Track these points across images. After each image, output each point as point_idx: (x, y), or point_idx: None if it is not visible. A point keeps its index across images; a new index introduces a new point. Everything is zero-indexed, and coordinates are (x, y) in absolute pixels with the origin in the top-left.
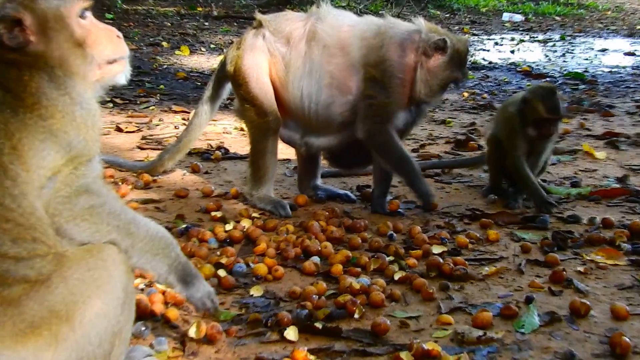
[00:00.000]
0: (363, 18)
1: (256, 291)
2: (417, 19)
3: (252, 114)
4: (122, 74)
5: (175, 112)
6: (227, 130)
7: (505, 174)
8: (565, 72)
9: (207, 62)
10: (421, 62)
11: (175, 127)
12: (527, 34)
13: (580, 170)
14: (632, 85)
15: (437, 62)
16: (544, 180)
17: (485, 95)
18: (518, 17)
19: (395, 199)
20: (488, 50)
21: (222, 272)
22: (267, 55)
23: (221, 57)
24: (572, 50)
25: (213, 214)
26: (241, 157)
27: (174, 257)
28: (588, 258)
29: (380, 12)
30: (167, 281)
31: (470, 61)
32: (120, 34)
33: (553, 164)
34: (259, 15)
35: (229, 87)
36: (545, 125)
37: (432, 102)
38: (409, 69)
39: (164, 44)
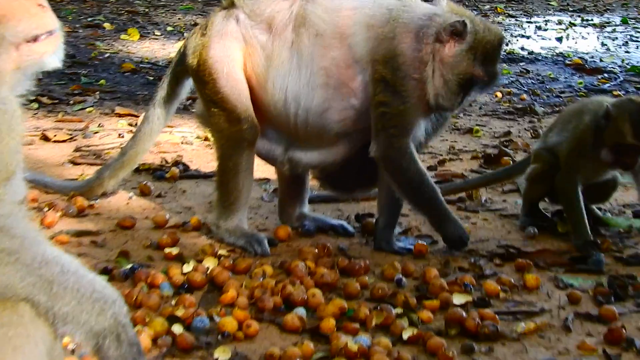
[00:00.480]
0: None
1: (222, 354)
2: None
3: (221, 120)
4: (51, 55)
5: (120, 115)
6: (187, 140)
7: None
8: (628, 67)
9: (162, 49)
10: (434, 53)
11: (120, 136)
12: (578, 16)
13: None
14: None
15: (453, 51)
16: (600, 209)
17: (525, 96)
18: None
19: (405, 233)
20: (528, 37)
21: (177, 328)
22: (241, 44)
23: (181, 43)
24: (637, 37)
25: (167, 250)
26: (205, 176)
27: (110, 325)
28: None
29: None
30: (96, 353)
31: (504, 52)
32: (45, 2)
33: None
34: None
35: (190, 84)
36: (628, 152)
37: (450, 107)
38: (425, 66)
39: (106, 25)
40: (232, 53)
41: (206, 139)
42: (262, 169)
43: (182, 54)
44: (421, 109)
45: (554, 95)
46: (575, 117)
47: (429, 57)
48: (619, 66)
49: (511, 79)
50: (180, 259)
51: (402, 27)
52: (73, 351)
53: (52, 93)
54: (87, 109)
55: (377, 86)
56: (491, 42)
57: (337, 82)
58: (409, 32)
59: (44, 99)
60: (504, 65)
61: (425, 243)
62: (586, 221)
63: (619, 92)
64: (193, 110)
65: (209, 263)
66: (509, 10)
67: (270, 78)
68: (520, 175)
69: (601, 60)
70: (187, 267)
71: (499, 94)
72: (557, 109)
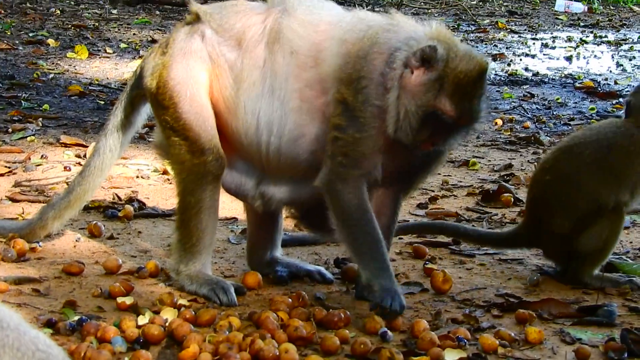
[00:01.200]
0: (349, 14)
1: None
2: (430, 21)
3: (183, 150)
4: None
5: (66, 145)
6: (143, 174)
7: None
8: None
9: (114, 69)
10: (400, 79)
11: (66, 169)
12: (591, 32)
13: None
14: None
15: (419, 79)
16: (613, 253)
17: (528, 123)
18: (578, 7)
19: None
20: (533, 56)
21: None
22: (207, 64)
23: (136, 62)
24: None
25: (120, 300)
26: (164, 215)
27: None
28: None
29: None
30: None
31: (505, 73)
32: None
33: (626, 228)
34: (195, 5)
35: (147, 111)
36: None
37: (410, 144)
38: (388, 92)
39: (50, 41)
40: (197, 74)
41: (165, 172)
42: (229, 207)
43: (139, 76)
44: (379, 142)
45: (562, 122)
46: (623, 165)
47: (394, 84)
48: None
49: (513, 104)
50: (135, 310)
51: (375, 47)
52: None
53: None
54: (28, 138)
55: (336, 107)
56: (467, 72)
57: (310, 106)
58: (381, 53)
59: None
60: (505, 88)
61: (413, 292)
62: None
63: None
64: (150, 139)
65: (168, 314)
66: (512, 26)
67: (241, 102)
68: (503, 246)
69: (616, 83)
70: (143, 319)
71: (499, 122)
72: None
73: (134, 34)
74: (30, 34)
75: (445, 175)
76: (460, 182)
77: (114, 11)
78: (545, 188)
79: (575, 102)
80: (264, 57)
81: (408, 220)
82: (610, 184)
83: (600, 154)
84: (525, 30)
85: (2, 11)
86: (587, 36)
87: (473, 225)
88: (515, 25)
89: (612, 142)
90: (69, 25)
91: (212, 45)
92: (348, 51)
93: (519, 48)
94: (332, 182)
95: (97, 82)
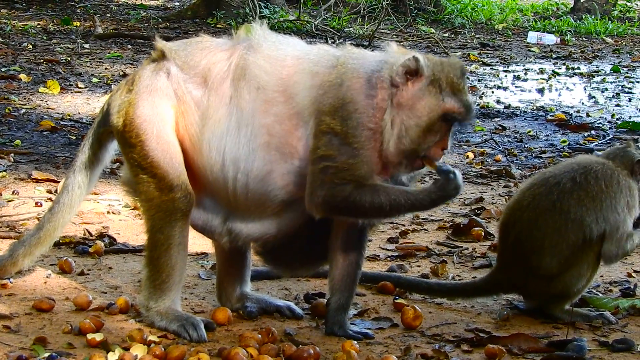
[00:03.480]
0: (314, 47)
1: None
2: (388, 44)
3: (151, 188)
4: None
5: (37, 181)
6: (113, 210)
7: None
8: (619, 122)
9: (86, 104)
10: (391, 99)
11: (37, 204)
12: (563, 64)
13: (636, 271)
14: None
15: (412, 91)
16: None
17: (500, 156)
18: (551, 39)
19: (360, 315)
20: (505, 89)
21: None
22: (173, 102)
23: (107, 97)
24: (630, 88)
25: (90, 336)
26: (135, 251)
27: None
28: None
29: (347, 28)
30: None
31: (477, 105)
32: None
33: None
34: (160, 42)
35: (115, 147)
36: None
37: (414, 155)
38: (381, 114)
39: (22, 76)
40: (163, 111)
41: (135, 207)
42: (199, 243)
43: (106, 113)
44: (375, 166)
45: (534, 155)
46: (611, 191)
47: (386, 105)
48: (609, 122)
49: (485, 136)
50: (105, 347)
51: (350, 73)
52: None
53: None
54: (0, 174)
55: (319, 139)
56: (453, 69)
57: (279, 141)
58: (359, 77)
59: None
60: (477, 121)
61: (383, 327)
62: None
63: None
64: (120, 174)
65: (137, 351)
66: (484, 58)
67: (206, 139)
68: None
69: (588, 115)
70: (113, 356)
71: (471, 155)
72: (536, 171)
73: (105, 68)
74: (2, 69)
75: None
76: (431, 215)
77: (86, 45)
78: (530, 226)
79: (547, 135)
80: (229, 94)
81: (378, 255)
82: (592, 209)
83: (578, 179)
84: (497, 62)
85: None
86: (559, 68)
87: (444, 260)
88: (487, 57)
89: (588, 169)
90: (41, 60)
91: (177, 83)
92: (322, 82)
93: (490, 80)
94: (334, 203)
95: (68, 117)
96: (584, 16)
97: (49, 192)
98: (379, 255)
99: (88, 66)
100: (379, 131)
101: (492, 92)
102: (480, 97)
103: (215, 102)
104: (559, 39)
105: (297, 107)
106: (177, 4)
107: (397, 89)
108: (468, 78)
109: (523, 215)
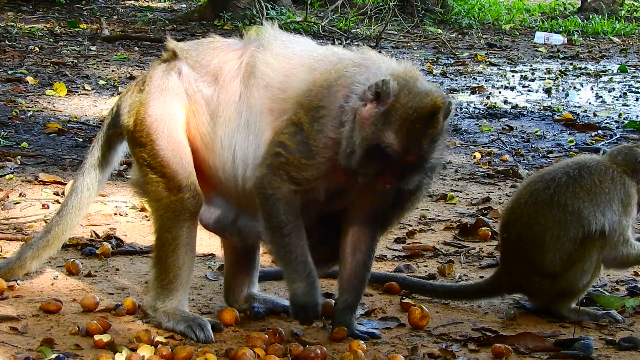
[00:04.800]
0: (323, 47)
1: None
2: (404, 61)
3: (160, 188)
4: None
5: (44, 183)
6: (121, 211)
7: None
8: (626, 122)
9: (93, 106)
10: (355, 113)
11: (44, 207)
12: (570, 64)
13: None
14: None
15: (369, 112)
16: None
17: (507, 156)
18: (558, 39)
19: (367, 315)
20: (512, 89)
21: None
22: (184, 101)
23: (115, 99)
24: (638, 88)
25: (97, 337)
26: (142, 252)
27: None
28: None
29: (354, 29)
30: None
31: (484, 106)
32: None
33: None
34: (172, 42)
35: (124, 150)
36: None
37: (361, 178)
38: (344, 125)
39: (29, 79)
40: (174, 111)
41: (143, 209)
42: (207, 243)
43: (116, 114)
44: (325, 171)
45: (541, 155)
46: (593, 183)
47: (349, 117)
48: (616, 121)
49: (492, 137)
50: (112, 348)
51: (340, 80)
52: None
53: None
54: (7, 176)
55: (287, 127)
56: (417, 109)
57: None
58: (344, 86)
59: None
60: (484, 121)
61: (390, 327)
62: None
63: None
64: (129, 176)
65: (145, 352)
66: (491, 58)
67: (218, 137)
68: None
69: (595, 115)
70: (120, 357)
71: (478, 155)
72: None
73: (112, 70)
74: (9, 72)
75: (423, 210)
76: (438, 216)
77: (93, 48)
78: (530, 222)
79: (554, 135)
80: (239, 92)
81: (385, 255)
82: (588, 202)
83: (572, 174)
84: (504, 62)
85: None
86: (566, 68)
87: (451, 260)
88: (495, 57)
89: (582, 164)
90: (48, 63)
91: (188, 82)
92: (314, 79)
93: (498, 81)
94: (264, 187)
95: (75, 120)
96: (591, 16)
97: (56, 194)
98: (386, 256)
99: (95, 68)
100: (338, 142)
101: (500, 92)
102: (488, 98)
103: (226, 100)
104: (566, 39)
105: (287, 98)
106: (184, 5)
107: (362, 104)
108: (437, 120)
109: (523, 212)
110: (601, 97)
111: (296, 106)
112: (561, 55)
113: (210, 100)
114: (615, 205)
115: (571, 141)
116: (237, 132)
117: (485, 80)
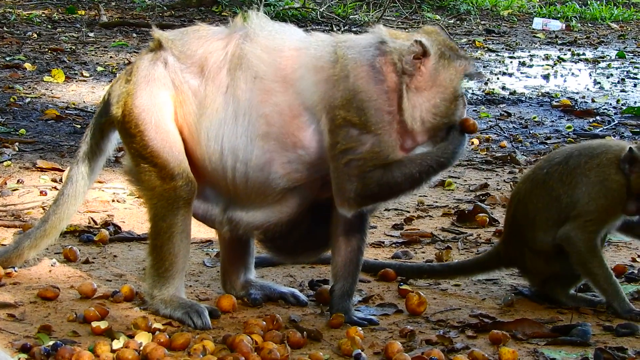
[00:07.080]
0: (312, 37)
1: None
2: (375, 27)
3: (152, 177)
4: None
5: (42, 169)
6: (118, 198)
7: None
8: (624, 108)
9: (91, 93)
10: (406, 87)
11: (42, 193)
12: (568, 50)
13: None
14: None
15: (429, 72)
16: None
17: (505, 142)
18: (556, 25)
19: (365, 301)
20: (510, 75)
21: None
22: (171, 91)
23: (109, 86)
24: (636, 74)
25: (95, 324)
26: (139, 239)
27: None
28: None
29: (352, 16)
30: None
31: (482, 92)
32: None
33: None
34: (157, 32)
35: (117, 136)
36: None
37: (446, 127)
38: (395, 96)
39: (27, 65)
40: (161, 101)
41: (140, 196)
42: (204, 230)
43: (106, 103)
44: (397, 145)
45: (539, 141)
46: (586, 169)
47: (400, 88)
48: (614, 107)
49: (490, 123)
50: (110, 334)
51: (353, 63)
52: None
53: None
54: (5, 163)
55: (337, 134)
56: (443, 36)
57: (280, 131)
58: (362, 65)
59: None
60: (482, 107)
61: (388, 313)
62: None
63: (613, 137)
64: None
65: (142, 338)
66: (489, 44)
67: (204, 128)
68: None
69: (593, 101)
70: (117, 344)
71: (476, 141)
72: (541, 157)
73: (110, 57)
74: (7, 58)
75: (421, 196)
76: (436, 202)
77: (91, 34)
78: (525, 200)
79: (552, 121)
80: (226, 83)
81: (383, 242)
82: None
83: (565, 155)
84: (502, 48)
85: None
86: (564, 54)
87: (448, 247)
88: (493, 43)
89: (589, 148)
90: (46, 49)
91: (175, 72)
92: (328, 76)
93: (496, 67)
94: (365, 191)
95: (73, 106)
96: (589, 2)
97: (54, 180)
98: (383, 242)
99: (93, 55)
100: (396, 112)
101: (498, 78)
102: (486, 84)
103: (212, 91)
104: (564, 25)
105: (305, 103)
106: None
107: (410, 76)
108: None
109: (523, 187)
110: (599, 83)
111: (329, 110)
112: (559, 41)
113: (197, 91)
114: (594, 192)
115: (569, 127)
116: (224, 124)
117: (484, 67)
